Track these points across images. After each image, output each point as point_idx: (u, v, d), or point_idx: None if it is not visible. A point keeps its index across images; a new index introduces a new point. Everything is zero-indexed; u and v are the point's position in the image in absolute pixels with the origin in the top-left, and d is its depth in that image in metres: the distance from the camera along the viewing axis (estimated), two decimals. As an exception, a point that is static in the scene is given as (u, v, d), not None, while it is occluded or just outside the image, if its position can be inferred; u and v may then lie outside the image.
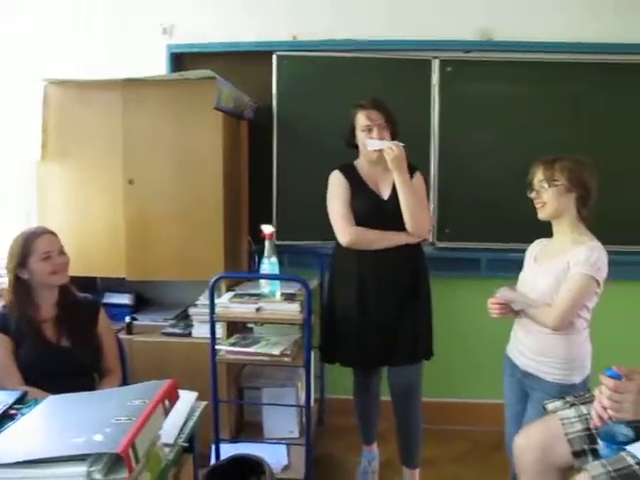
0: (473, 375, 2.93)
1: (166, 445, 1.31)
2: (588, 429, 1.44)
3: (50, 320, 1.97)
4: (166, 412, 1.20)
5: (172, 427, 1.39)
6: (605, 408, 1.33)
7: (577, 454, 1.42)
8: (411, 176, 2.27)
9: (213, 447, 2.38)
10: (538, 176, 1.97)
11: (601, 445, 1.37)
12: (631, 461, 1.25)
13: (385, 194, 2.31)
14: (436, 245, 2.93)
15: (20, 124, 2.60)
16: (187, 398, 1.54)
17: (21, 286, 1.94)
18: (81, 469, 0.96)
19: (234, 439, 2.62)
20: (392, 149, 2.18)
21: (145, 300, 2.97)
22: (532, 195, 2.00)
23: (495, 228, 2.87)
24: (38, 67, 2.73)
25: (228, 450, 2.29)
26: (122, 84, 2.48)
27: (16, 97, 2.64)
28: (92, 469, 0.97)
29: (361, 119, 2.26)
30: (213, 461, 2.33)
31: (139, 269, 2.58)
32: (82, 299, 2.11)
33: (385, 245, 2.26)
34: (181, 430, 1.42)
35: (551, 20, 2.83)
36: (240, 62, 2.89)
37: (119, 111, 2.50)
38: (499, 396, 2.20)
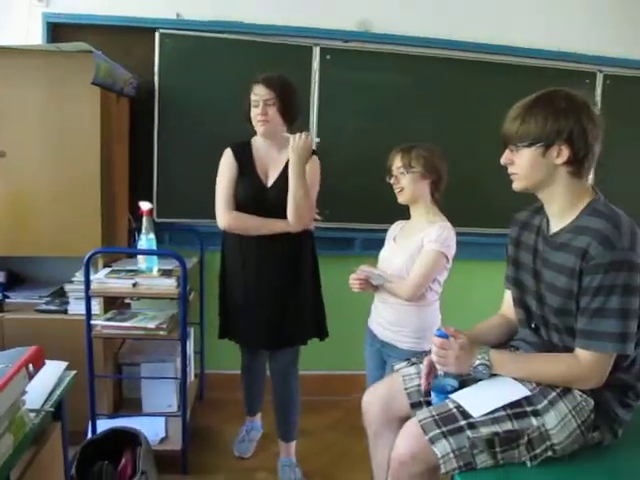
0: (345, 348, 3.11)
1: (32, 411, 1.35)
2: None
3: None
4: (30, 376, 1.24)
5: (39, 394, 1.42)
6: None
7: (414, 405, 1.62)
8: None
9: (90, 425, 2.39)
10: (396, 163, 2.15)
11: (432, 395, 1.57)
12: (451, 405, 1.45)
13: (270, 180, 2.30)
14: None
15: None
16: (56, 367, 1.56)
17: None
18: (-63, 428, 0.99)
19: (112, 415, 2.64)
20: (297, 139, 2.15)
21: (19, 278, 2.87)
22: (391, 181, 2.18)
23: (369, 209, 3.04)
24: None
25: (106, 426, 2.30)
26: (-9, 52, 2.39)
27: None
28: (-51, 428, 1.00)
29: (251, 94, 2.25)
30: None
31: (11, 245, 2.50)
32: None
33: (263, 232, 2.25)
34: (48, 397, 1.45)
35: (425, 16, 3.04)
36: (121, 37, 2.84)
37: (-12, 80, 2.41)
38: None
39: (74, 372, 1.62)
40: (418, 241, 2.10)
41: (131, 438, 2.19)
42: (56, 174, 2.47)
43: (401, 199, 2.18)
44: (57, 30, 2.84)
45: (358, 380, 3.04)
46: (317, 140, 2.99)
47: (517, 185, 1.53)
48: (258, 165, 2.32)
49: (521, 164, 1.49)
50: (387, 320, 2.18)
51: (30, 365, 1.24)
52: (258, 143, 2.35)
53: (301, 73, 2.96)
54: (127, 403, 2.81)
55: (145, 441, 2.18)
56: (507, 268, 1.70)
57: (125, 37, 2.86)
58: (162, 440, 2.51)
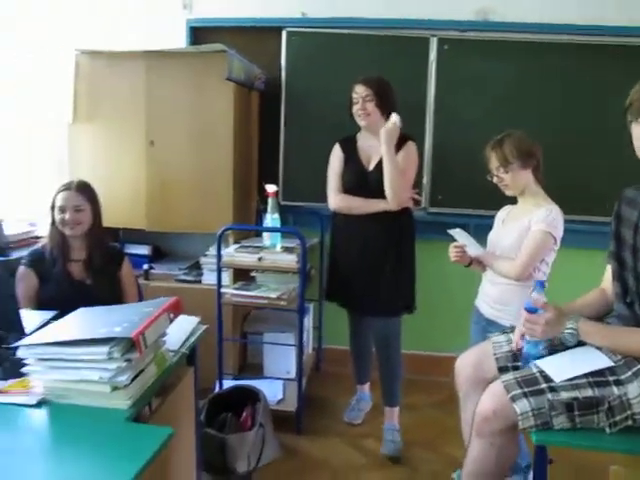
0: (458, 331, 3.18)
1: (171, 351, 1.62)
2: (512, 350, 1.73)
3: (80, 261, 2.25)
4: (170, 320, 1.51)
5: (176, 339, 1.69)
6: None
7: (501, 369, 1.71)
8: (401, 145, 2.48)
9: (217, 382, 2.71)
10: (493, 163, 2.19)
11: (521, 361, 1.65)
12: (534, 370, 1.52)
13: (372, 165, 2.55)
14: (428, 210, 3.18)
15: (55, 90, 2.88)
16: (190, 320, 1.84)
17: (54, 229, 2.24)
18: (104, 349, 1.27)
19: (236, 376, 2.94)
20: (390, 124, 2.41)
21: (162, 252, 3.27)
22: (494, 180, 2.22)
23: (482, 195, 3.05)
24: (70, 38, 2.98)
25: (230, 384, 2.63)
26: (145, 55, 2.76)
27: (51, 65, 2.89)
28: (112, 349, 1.28)
29: (352, 93, 2.50)
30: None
31: (157, 222, 2.90)
32: (110, 247, 2.39)
33: (365, 211, 2.52)
34: (184, 343, 1.73)
35: (542, 3, 3.02)
36: (253, 36, 3.15)
37: (142, 79, 2.79)
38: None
39: (206, 326, 1.89)
40: (525, 222, 2.15)
41: (252, 396, 2.47)
42: (196, 160, 2.82)
43: (509, 193, 2.23)
44: (197, 33, 3.21)
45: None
46: (432, 129, 3.12)
47: None
48: (361, 154, 2.59)
49: None
50: (492, 298, 2.26)
51: (171, 312, 1.52)
52: (362, 136, 2.61)
53: (418, 64, 3.08)
54: (250, 367, 3.12)
55: (264, 399, 2.45)
56: (610, 243, 1.72)
57: (255, 36, 3.16)
58: (279, 401, 2.78)
